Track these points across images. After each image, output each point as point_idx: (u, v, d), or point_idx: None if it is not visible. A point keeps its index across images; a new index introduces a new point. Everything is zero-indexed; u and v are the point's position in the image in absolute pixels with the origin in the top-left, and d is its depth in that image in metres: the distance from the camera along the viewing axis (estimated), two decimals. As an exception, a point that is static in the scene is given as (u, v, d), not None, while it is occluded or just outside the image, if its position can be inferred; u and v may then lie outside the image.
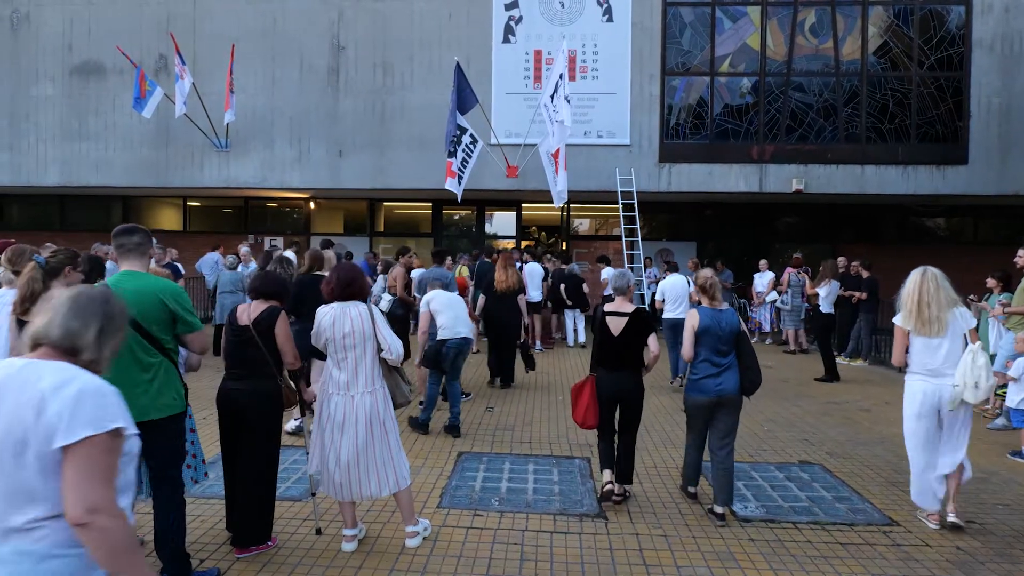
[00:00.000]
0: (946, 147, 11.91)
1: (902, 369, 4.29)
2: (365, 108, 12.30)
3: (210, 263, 11.86)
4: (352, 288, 3.61)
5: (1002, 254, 11.38)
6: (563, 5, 12.11)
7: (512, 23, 12.13)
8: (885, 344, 10.05)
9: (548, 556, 3.62)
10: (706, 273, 4.35)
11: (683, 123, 12.27)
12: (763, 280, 11.95)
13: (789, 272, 11.08)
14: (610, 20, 12.06)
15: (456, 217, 15.14)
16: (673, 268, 9.08)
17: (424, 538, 3.77)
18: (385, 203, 15.06)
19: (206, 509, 4.12)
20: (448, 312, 5.95)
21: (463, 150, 10.89)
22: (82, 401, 1.58)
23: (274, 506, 3.67)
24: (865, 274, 10.03)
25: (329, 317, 3.57)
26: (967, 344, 4.01)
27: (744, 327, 4.33)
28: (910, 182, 11.86)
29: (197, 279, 12.41)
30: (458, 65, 10.55)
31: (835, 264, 9.89)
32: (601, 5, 12.06)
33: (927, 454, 4.07)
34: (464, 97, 10.59)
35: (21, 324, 3.16)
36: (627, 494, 4.42)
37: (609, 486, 4.28)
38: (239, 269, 9.39)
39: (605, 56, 12.05)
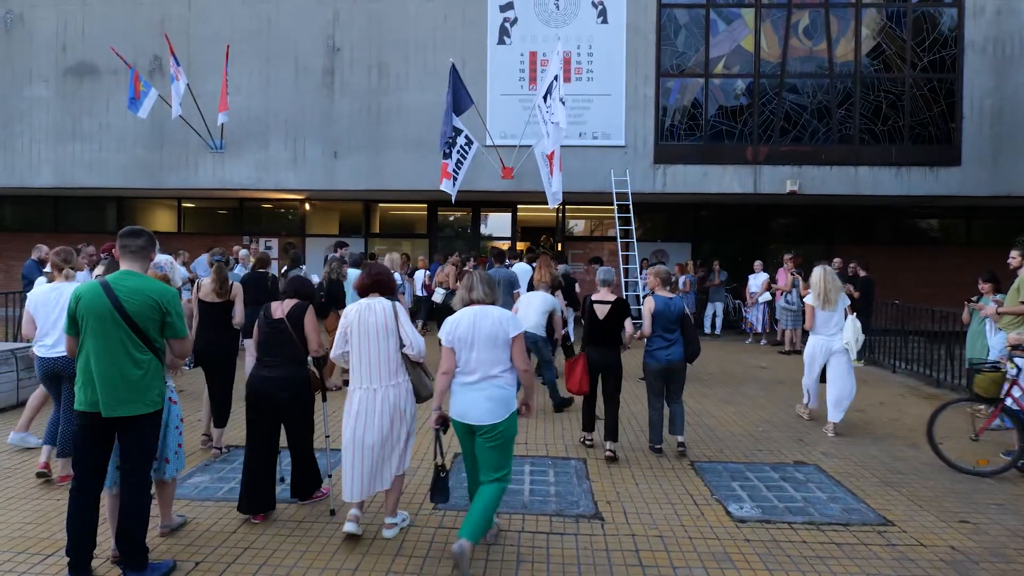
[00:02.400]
0: (939, 148, 11.98)
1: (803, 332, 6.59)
2: (360, 109, 12.29)
3: (204, 265, 11.86)
4: (379, 286, 3.88)
5: (995, 255, 11.46)
6: (558, 7, 12.13)
7: (507, 24, 12.15)
8: (880, 345, 10.10)
9: (544, 557, 3.62)
10: (664, 268, 5.70)
11: (678, 124, 12.30)
12: (757, 281, 11.98)
13: (792, 272, 11.07)
14: (605, 22, 12.08)
15: (452, 218, 15.14)
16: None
17: (401, 528, 3.87)
18: (380, 204, 15.04)
19: (200, 512, 4.11)
20: (520, 311, 6.85)
21: (458, 151, 10.89)
22: (513, 320, 3.62)
23: (316, 462, 4.25)
24: (862, 274, 10.08)
25: (355, 311, 3.79)
26: (847, 316, 6.16)
27: (688, 311, 5.55)
28: (903, 183, 11.93)
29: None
30: (453, 66, 10.55)
31: None
32: (596, 7, 12.09)
33: (813, 378, 6.41)
34: (459, 98, 10.59)
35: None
36: (615, 453, 5.26)
37: (589, 441, 5.57)
38: (236, 271, 9.40)
39: (600, 57, 12.08)
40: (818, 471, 5.09)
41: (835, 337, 6.09)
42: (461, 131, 10.84)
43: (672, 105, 12.29)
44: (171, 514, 3.79)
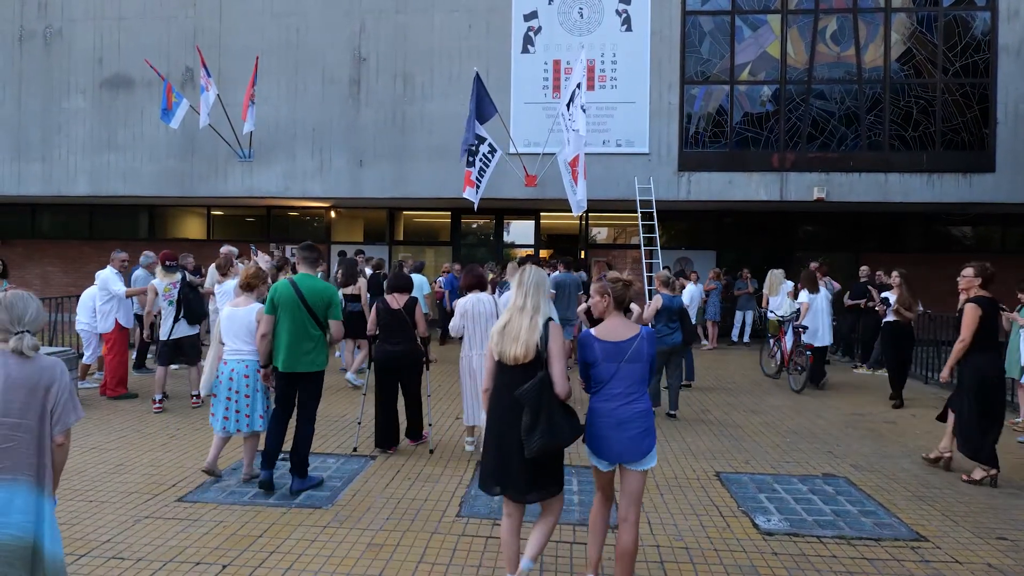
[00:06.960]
0: (972, 154, 11.70)
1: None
2: (385, 118, 12.44)
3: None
4: (480, 283, 5.61)
5: (1032, 263, 11.12)
6: (582, 15, 12.16)
7: (531, 33, 12.21)
8: (912, 355, 9.84)
9: (568, 567, 3.60)
10: (666, 273, 7.24)
11: (702, 132, 12.21)
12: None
13: (827, 279, 10.86)
14: (629, 29, 12.07)
15: (475, 226, 15.20)
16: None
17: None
18: (404, 212, 15.17)
19: (228, 515, 4.17)
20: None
21: (481, 159, 10.93)
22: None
23: (423, 412, 5.77)
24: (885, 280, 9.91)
25: (469, 302, 5.44)
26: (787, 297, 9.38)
27: (685, 307, 7.20)
28: (935, 190, 11.67)
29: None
30: (477, 75, 10.62)
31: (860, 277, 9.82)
32: (620, 15, 12.08)
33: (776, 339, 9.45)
34: (483, 107, 10.65)
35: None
36: None
37: None
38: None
39: (624, 65, 12.06)
40: (848, 484, 4.98)
41: (779, 311, 9.44)
42: (485, 139, 10.90)
43: (697, 112, 12.21)
44: (252, 464, 4.80)
